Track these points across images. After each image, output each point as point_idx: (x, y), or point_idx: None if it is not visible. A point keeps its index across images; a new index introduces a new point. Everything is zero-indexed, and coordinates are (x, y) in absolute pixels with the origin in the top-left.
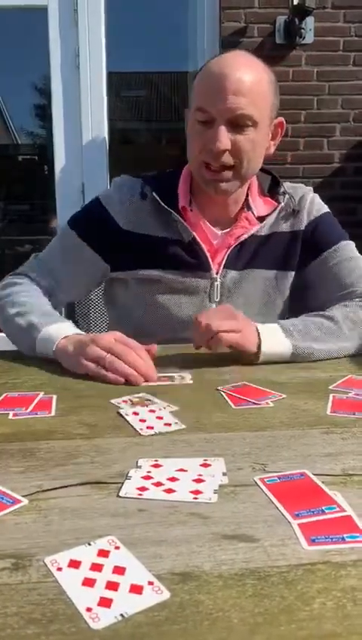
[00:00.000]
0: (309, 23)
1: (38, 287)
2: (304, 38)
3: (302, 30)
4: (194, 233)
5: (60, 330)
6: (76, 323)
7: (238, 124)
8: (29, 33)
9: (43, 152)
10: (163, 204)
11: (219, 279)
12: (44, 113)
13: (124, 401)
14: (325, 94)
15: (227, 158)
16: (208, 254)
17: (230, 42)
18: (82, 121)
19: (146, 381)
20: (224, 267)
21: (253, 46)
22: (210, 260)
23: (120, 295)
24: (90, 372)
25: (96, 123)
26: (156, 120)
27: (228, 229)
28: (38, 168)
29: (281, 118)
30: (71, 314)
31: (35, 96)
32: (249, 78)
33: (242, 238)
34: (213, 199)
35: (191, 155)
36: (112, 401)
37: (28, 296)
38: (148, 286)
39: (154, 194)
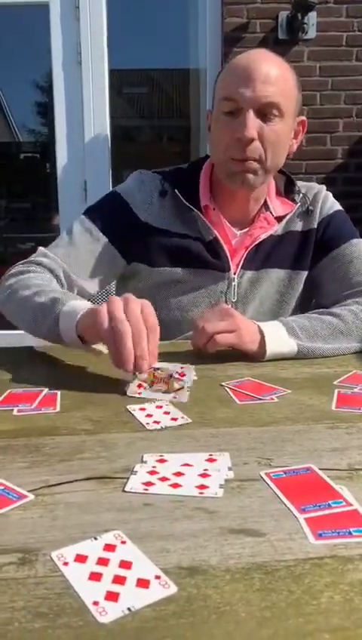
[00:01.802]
0: (312, 18)
1: (50, 274)
2: (306, 33)
3: (305, 25)
4: (216, 232)
5: (85, 304)
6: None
7: (265, 112)
8: (30, 30)
9: (45, 149)
10: (185, 201)
11: (236, 280)
12: (45, 110)
13: (139, 385)
14: (328, 90)
15: (254, 149)
16: (228, 254)
17: (232, 38)
18: (84, 118)
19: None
20: (241, 268)
21: (255, 42)
22: (230, 260)
23: (134, 291)
24: (103, 332)
25: (98, 120)
26: (158, 117)
27: (247, 229)
28: (40, 166)
29: (304, 117)
30: None
31: (37, 93)
32: (276, 71)
33: (260, 239)
34: (234, 198)
35: (217, 151)
36: (128, 393)
37: (42, 279)
38: (164, 283)
39: (176, 191)
